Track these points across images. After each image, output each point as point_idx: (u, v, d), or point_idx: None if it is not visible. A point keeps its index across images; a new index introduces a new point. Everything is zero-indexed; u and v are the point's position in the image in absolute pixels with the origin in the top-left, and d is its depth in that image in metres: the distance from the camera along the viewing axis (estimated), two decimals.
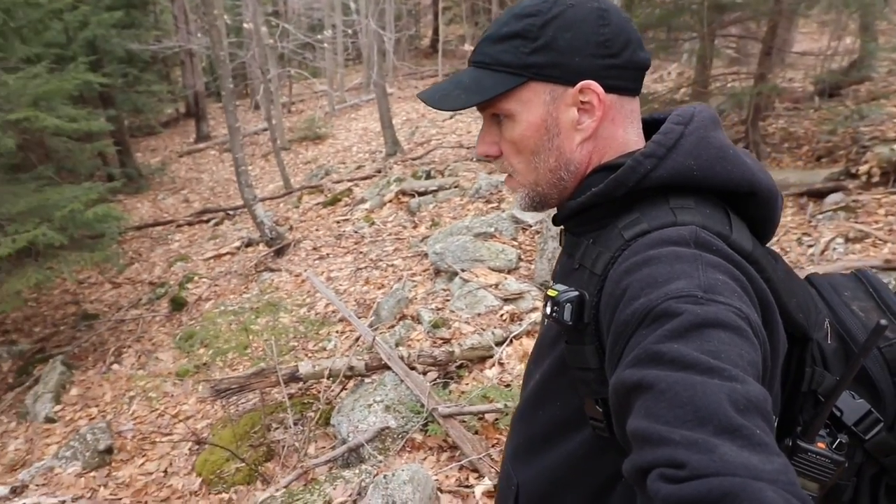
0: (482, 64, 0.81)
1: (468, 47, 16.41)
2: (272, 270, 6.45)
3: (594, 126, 0.80)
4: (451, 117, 11.98)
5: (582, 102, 0.79)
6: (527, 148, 0.82)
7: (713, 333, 0.59)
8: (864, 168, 4.80)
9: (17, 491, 3.74)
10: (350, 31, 14.79)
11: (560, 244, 0.90)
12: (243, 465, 3.55)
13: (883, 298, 0.88)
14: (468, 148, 9.01)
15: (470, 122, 11.05)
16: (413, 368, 3.55)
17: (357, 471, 3.09)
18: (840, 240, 4.24)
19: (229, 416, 4.10)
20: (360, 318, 4.76)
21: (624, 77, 0.80)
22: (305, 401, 3.92)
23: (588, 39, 0.77)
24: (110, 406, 4.74)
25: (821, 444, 0.75)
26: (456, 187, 7.11)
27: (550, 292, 0.78)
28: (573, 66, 0.77)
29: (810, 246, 4.30)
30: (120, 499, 3.65)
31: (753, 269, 0.72)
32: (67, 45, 10.18)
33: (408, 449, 3.22)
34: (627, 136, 0.83)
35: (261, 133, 14.15)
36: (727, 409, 0.53)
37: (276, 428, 3.76)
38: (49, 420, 4.69)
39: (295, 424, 3.67)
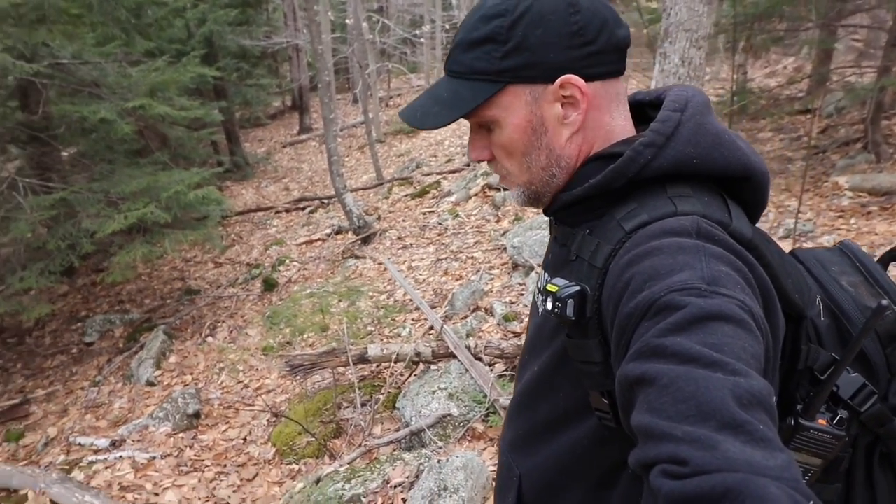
0: (458, 73, 0.79)
1: None
2: (357, 258, 6.66)
3: (581, 119, 0.78)
4: None
5: (564, 97, 0.76)
6: (517, 150, 0.80)
7: (716, 326, 0.59)
8: None
9: (115, 444, 4.11)
10: (447, 27, 14.94)
11: (551, 233, 0.89)
12: (313, 439, 3.70)
13: (870, 271, 0.88)
14: None
15: None
16: (479, 359, 3.55)
17: (417, 454, 3.14)
18: None
19: (305, 393, 4.29)
20: (434, 307, 4.82)
21: (605, 62, 0.77)
22: (375, 383, 4.03)
23: (560, 32, 0.74)
24: (202, 375, 5.09)
25: (821, 421, 0.76)
26: None
27: (550, 287, 0.76)
28: (549, 62, 0.75)
29: None
30: (202, 460, 3.91)
31: (753, 255, 0.71)
32: (187, 41, 10.99)
33: (468, 438, 3.24)
34: (613, 121, 0.80)
35: (359, 126, 14.63)
36: (730, 404, 0.53)
37: (346, 407, 3.89)
38: (150, 383, 5.11)
39: (363, 405, 3.78)
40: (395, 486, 2.95)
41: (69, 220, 5.19)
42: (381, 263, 6.18)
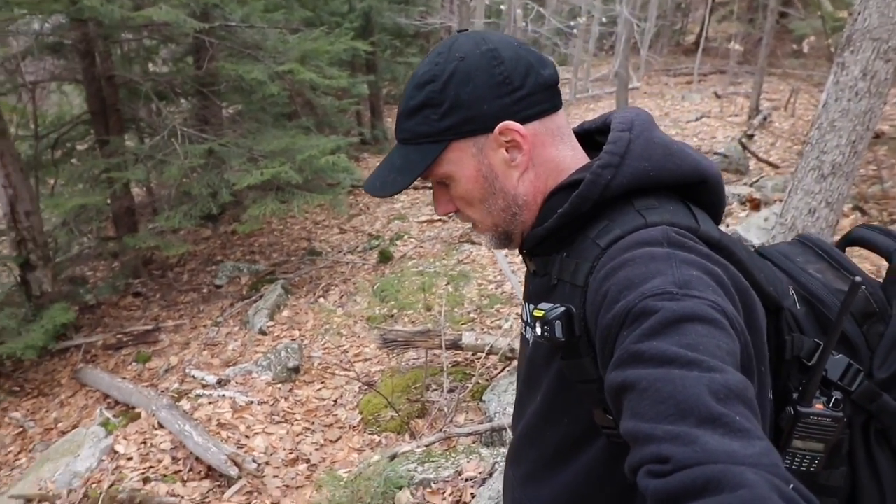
0: (406, 140, 0.84)
1: (735, 46, 14.90)
2: (473, 243, 6.62)
3: (527, 158, 0.82)
4: (696, 119, 11.10)
5: (506, 142, 0.81)
6: (475, 198, 0.85)
7: (690, 327, 0.61)
8: None
9: (221, 382, 4.40)
10: (604, 20, 14.40)
11: (528, 268, 0.93)
12: (397, 415, 3.72)
13: (833, 257, 0.92)
14: (716, 154, 8.19)
15: (716, 127, 10.09)
16: None
17: (494, 451, 3.04)
18: None
19: (399, 368, 4.33)
20: None
21: (536, 102, 0.81)
22: (467, 371, 3.97)
23: (488, 84, 0.78)
24: (309, 332, 5.32)
25: (818, 405, 0.78)
26: None
27: (537, 313, 0.79)
28: (484, 114, 0.79)
29: None
30: (294, 413, 4.08)
31: (724, 255, 0.74)
32: (347, 14, 11.47)
33: None
34: (560, 154, 0.84)
35: None
36: (707, 399, 0.54)
37: (435, 389, 3.87)
38: (262, 332, 5.42)
39: (450, 391, 3.73)
40: (467, 480, 2.88)
41: (214, 170, 5.61)
42: (493, 252, 6.10)
